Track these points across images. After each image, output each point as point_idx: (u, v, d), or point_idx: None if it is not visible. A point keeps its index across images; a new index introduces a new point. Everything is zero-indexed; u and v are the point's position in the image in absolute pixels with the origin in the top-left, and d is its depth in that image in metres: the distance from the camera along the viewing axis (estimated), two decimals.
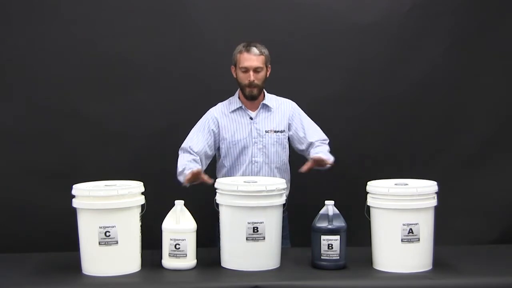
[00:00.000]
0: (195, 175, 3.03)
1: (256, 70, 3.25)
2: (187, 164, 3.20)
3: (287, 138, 3.36)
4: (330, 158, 3.19)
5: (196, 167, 3.15)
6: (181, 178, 3.18)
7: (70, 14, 3.83)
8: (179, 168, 3.21)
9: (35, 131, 3.81)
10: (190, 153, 3.27)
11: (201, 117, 3.41)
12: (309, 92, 3.87)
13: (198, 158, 3.27)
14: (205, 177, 3.06)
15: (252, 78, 3.23)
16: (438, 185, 2.80)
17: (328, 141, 3.40)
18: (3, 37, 3.79)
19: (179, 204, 2.76)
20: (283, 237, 3.27)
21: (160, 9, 3.87)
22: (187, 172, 3.08)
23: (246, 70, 3.25)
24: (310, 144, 3.34)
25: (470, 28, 3.99)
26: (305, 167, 3.11)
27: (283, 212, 3.21)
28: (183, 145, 3.32)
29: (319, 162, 3.11)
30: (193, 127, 3.40)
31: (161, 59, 3.89)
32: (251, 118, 3.33)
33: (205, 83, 3.88)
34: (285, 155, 3.36)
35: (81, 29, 3.82)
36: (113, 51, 3.84)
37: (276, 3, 3.95)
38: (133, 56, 3.86)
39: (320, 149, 3.28)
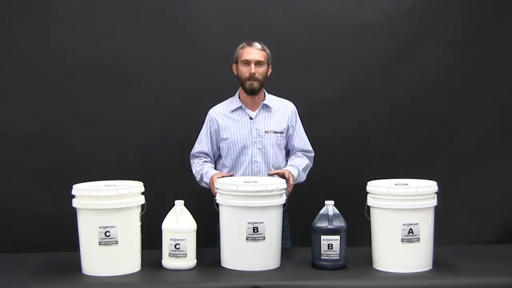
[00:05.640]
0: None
1: (257, 63, 3.25)
2: (202, 167, 3.27)
3: (285, 139, 3.36)
4: (290, 183, 3.09)
5: (211, 168, 3.26)
6: (204, 185, 3.25)
7: (70, 14, 3.83)
8: (197, 176, 3.30)
9: (35, 131, 3.81)
10: (200, 157, 3.33)
11: (201, 117, 3.41)
12: (309, 92, 3.88)
13: (208, 159, 3.34)
14: (225, 175, 3.16)
15: (253, 70, 3.23)
16: (438, 185, 2.80)
17: (312, 154, 3.40)
18: (3, 37, 3.80)
19: (179, 204, 2.76)
20: (284, 237, 3.26)
21: (160, 9, 3.87)
22: (207, 179, 3.18)
23: (247, 62, 3.25)
24: (292, 149, 3.38)
25: (470, 28, 3.99)
26: (273, 171, 3.19)
27: (284, 212, 3.20)
28: (192, 152, 3.37)
29: (282, 176, 3.12)
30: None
31: (161, 59, 3.89)
32: (251, 118, 3.33)
33: (205, 83, 3.89)
34: (281, 156, 3.36)
35: (81, 29, 3.83)
36: (113, 51, 3.85)
37: (276, 3, 3.96)
38: (133, 56, 3.87)
39: (297, 161, 3.29)
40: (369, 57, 3.98)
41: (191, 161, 3.38)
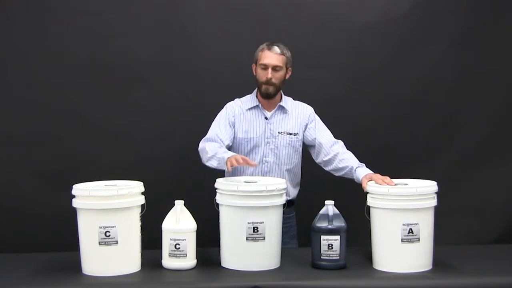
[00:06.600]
0: (245, 161, 2.91)
1: (274, 68, 3.22)
2: (219, 150, 3.06)
3: (300, 141, 3.32)
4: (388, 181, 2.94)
5: (227, 152, 3.04)
6: (213, 162, 3.03)
7: (70, 14, 3.83)
8: (210, 153, 3.04)
9: (35, 131, 3.82)
10: (216, 141, 3.16)
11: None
12: (309, 93, 3.86)
13: (224, 146, 3.17)
14: (249, 161, 2.95)
15: (269, 75, 3.20)
16: (438, 185, 2.80)
17: (341, 141, 3.33)
18: (3, 37, 3.80)
19: (179, 204, 2.76)
20: (291, 237, 3.26)
21: (160, 9, 3.87)
22: (224, 155, 2.95)
23: (265, 67, 3.22)
24: (321, 146, 3.28)
25: (470, 28, 4.00)
26: (366, 187, 2.94)
27: (291, 211, 3.19)
28: (208, 135, 3.20)
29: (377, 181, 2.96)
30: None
31: (162, 59, 3.89)
32: (266, 118, 3.31)
33: (206, 83, 3.89)
34: (296, 158, 3.32)
35: (81, 29, 3.83)
36: (113, 51, 3.85)
37: (277, 3, 3.95)
38: (133, 56, 3.87)
39: (353, 158, 3.21)
40: (369, 57, 3.98)
41: (203, 144, 3.16)
